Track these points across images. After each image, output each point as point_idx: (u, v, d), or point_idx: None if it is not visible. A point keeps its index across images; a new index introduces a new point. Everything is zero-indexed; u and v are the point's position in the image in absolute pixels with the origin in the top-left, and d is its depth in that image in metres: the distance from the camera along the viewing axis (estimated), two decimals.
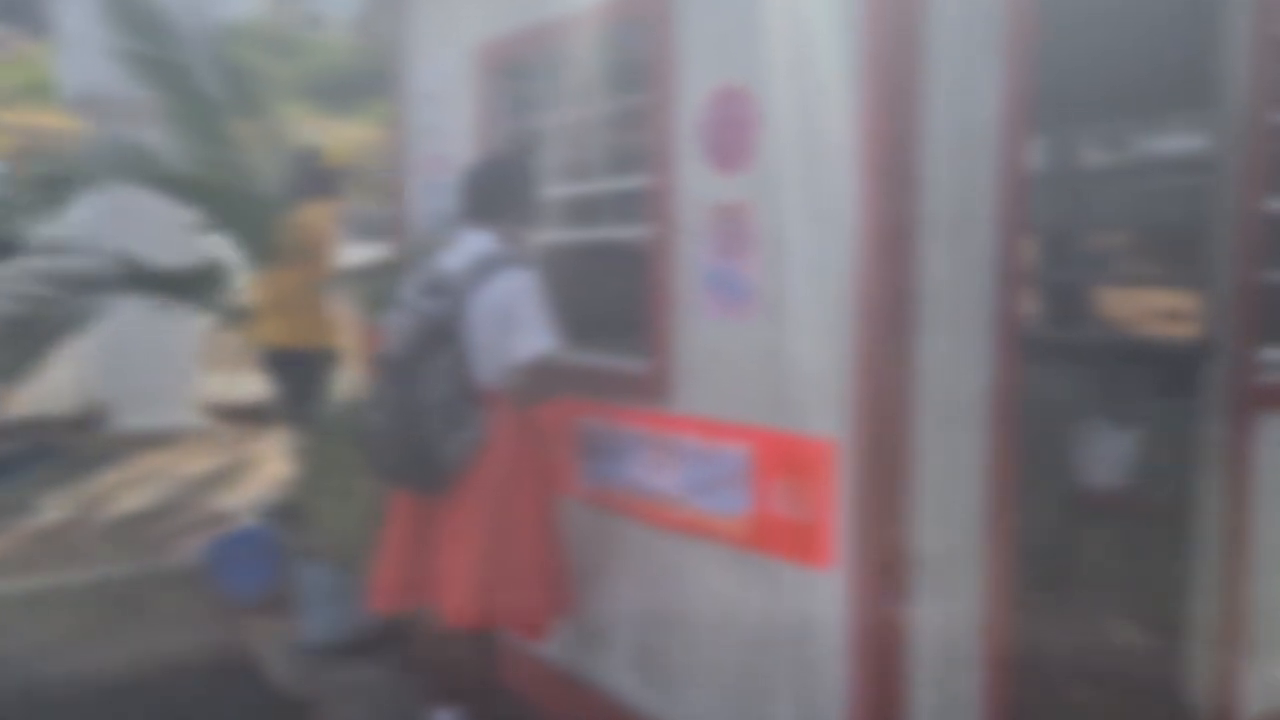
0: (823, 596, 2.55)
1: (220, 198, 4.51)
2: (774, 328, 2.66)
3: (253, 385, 7.14)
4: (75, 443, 7.68)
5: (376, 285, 4.01)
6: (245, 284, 4.98)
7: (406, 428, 2.93)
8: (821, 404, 2.54)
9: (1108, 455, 3.95)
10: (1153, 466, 3.79)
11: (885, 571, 2.45)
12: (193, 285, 4.62)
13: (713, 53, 2.81)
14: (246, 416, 8.29)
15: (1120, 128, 5.02)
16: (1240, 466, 3.11)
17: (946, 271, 2.49)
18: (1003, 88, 2.52)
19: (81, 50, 7.54)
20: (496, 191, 3.12)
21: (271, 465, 6.87)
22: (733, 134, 2.75)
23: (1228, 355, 3.12)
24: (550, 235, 3.53)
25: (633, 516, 3.17)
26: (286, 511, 4.65)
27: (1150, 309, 8.47)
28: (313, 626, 4.22)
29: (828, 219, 2.50)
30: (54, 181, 4.06)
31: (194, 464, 7.24)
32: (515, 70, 3.68)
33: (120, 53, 4.65)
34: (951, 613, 2.59)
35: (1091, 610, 3.69)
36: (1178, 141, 4.90)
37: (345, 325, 5.14)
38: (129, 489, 6.59)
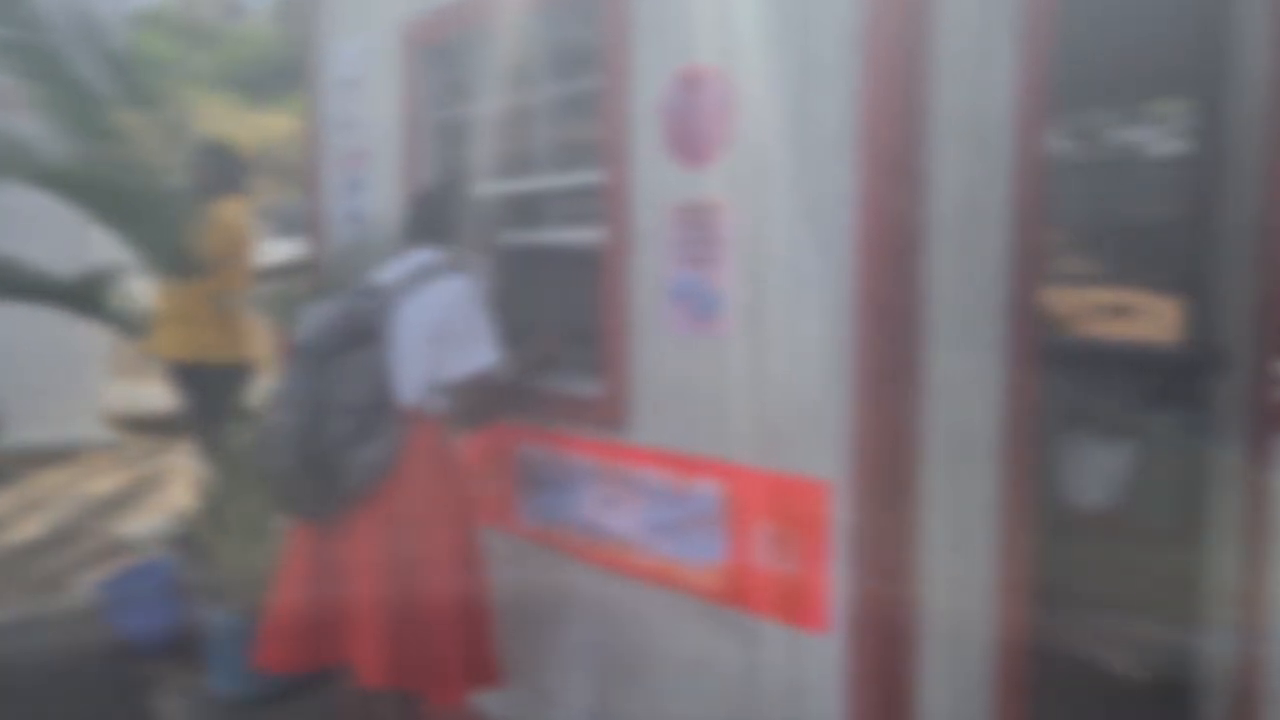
0: (814, 662, 2.18)
1: (109, 195, 4.02)
2: (753, 346, 2.28)
3: (163, 394, 6.60)
4: None
5: (291, 290, 3.59)
6: (142, 289, 4.48)
7: (311, 428, 2.55)
8: (812, 437, 2.16)
9: (1096, 471, 3.65)
10: (1148, 484, 3.49)
11: (890, 635, 2.08)
12: (79, 293, 4.13)
13: (677, 26, 2.41)
14: (157, 428, 7.71)
15: (1093, 119, 4.74)
16: (1261, 489, 2.81)
17: (956, 278, 2.13)
18: (1019, 67, 2.17)
19: None
20: (437, 217, 2.84)
21: (182, 484, 6.33)
22: (701, 121, 2.35)
23: (1244, 368, 2.82)
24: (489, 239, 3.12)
25: (584, 559, 2.77)
26: (192, 543, 4.16)
27: (1090, 305, 8.30)
28: (220, 675, 3.76)
29: (818, 219, 2.12)
30: None
31: (96, 483, 6.66)
32: (446, 51, 3.25)
33: None
34: (964, 673, 2.24)
35: (1087, 638, 3.39)
36: (1153, 134, 4.63)
37: (258, 337, 4.66)
38: (22, 513, 6.01)
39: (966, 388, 2.17)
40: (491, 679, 2.73)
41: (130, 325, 4.28)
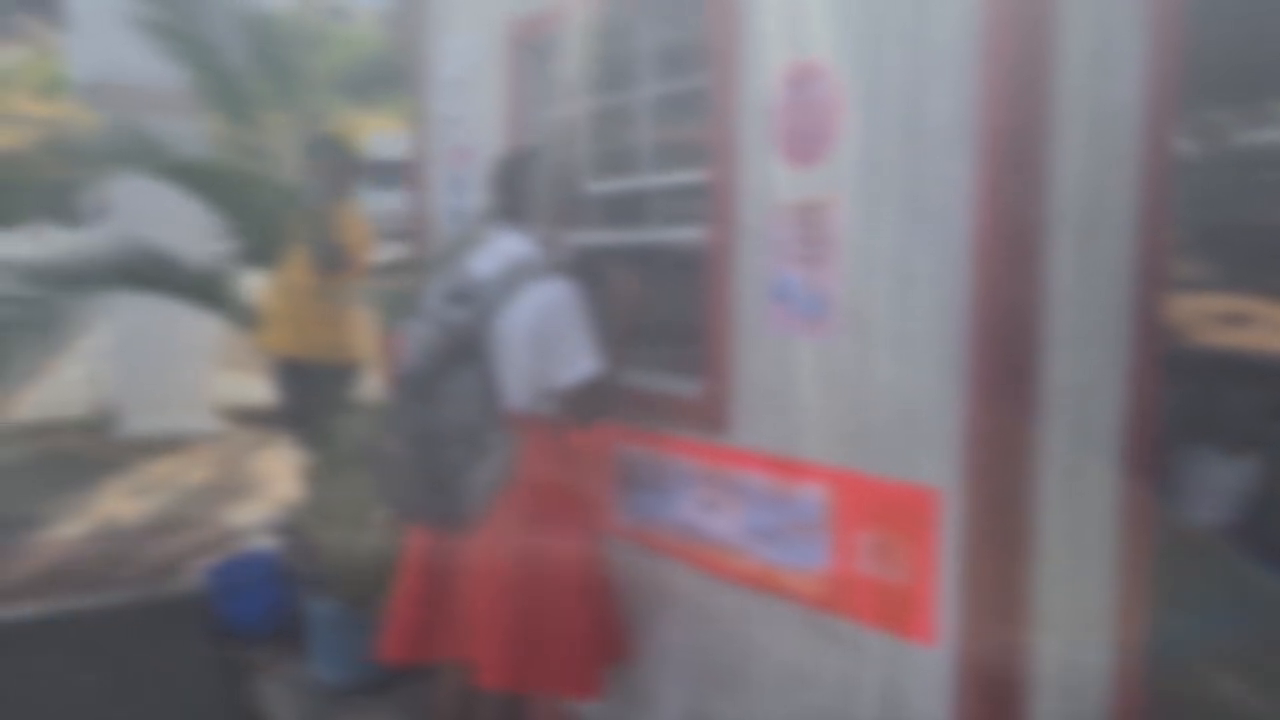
0: (919, 674, 2.12)
1: (234, 187, 4.12)
2: (860, 348, 2.22)
3: (266, 387, 6.77)
4: (84, 448, 7.34)
5: (397, 290, 3.63)
6: (257, 283, 4.58)
7: (425, 456, 2.56)
8: (921, 442, 2.10)
9: (1216, 487, 3.49)
10: (1272, 501, 3.33)
11: (1001, 648, 2.01)
12: (203, 285, 4.25)
13: (786, 22, 2.37)
14: (262, 420, 7.91)
15: (1213, 117, 4.54)
16: None
17: (1077, 279, 2.04)
18: (1147, 60, 2.08)
19: (94, 36, 7.22)
20: (529, 188, 2.70)
21: (286, 475, 6.48)
22: (810, 119, 2.31)
23: None
24: (590, 237, 3.11)
25: (682, 561, 2.74)
26: (296, 533, 4.24)
27: (1205, 313, 7.94)
28: (322, 663, 3.83)
29: (931, 219, 2.06)
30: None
31: (206, 472, 6.87)
32: (551, 49, 3.26)
33: (143, 23, 4.27)
34: (1080, 689, 2.15)
35: (1207, 667, 3.24)
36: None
37: (367, 336, 4.72)
38: (136, 500, 6.22)
39: (1086, 394, 2.09)
40: (622, 655, 2.83)
41: (245, 318, 4.39)
